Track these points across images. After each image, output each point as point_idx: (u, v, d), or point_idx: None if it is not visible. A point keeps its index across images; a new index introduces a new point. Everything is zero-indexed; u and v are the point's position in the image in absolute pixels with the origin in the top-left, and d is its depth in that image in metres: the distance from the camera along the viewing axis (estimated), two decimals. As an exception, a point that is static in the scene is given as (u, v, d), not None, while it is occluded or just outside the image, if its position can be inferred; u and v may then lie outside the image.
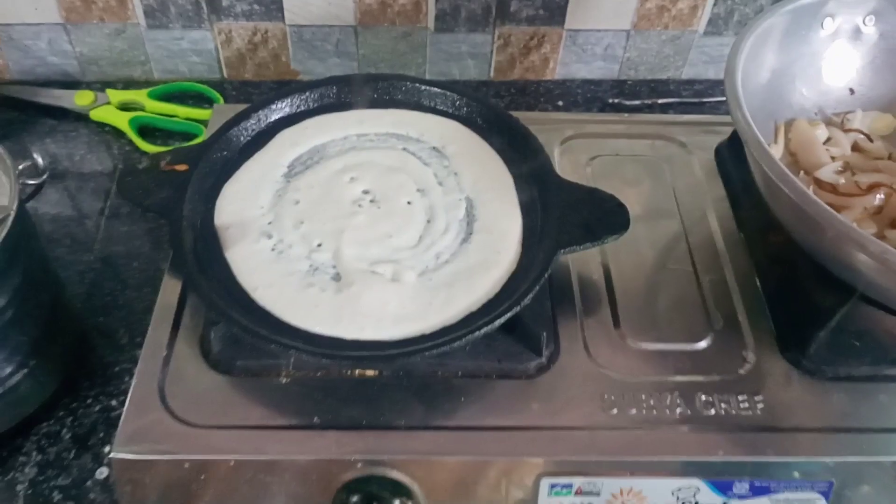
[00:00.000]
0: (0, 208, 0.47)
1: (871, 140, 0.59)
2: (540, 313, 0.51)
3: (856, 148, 0.59)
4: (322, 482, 0.46)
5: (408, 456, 0.46)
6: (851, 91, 0.60)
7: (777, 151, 0.57)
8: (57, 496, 0.54)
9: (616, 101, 0.83)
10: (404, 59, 0.82)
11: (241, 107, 0.59)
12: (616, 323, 0.53)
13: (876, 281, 0.46)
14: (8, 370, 0.52)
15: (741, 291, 0.55)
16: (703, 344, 0.52)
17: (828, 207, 0.44)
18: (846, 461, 0.47)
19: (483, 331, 0.45)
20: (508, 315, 0.46)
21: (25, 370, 0.53)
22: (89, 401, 0.59)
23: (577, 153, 0.64)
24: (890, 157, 0.58)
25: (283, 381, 0.49)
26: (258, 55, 0.80)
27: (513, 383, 0.49)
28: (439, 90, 0.61)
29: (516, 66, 0.84)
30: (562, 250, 0.50)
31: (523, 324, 0.49)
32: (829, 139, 0.58)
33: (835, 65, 0.60)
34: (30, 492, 0.54)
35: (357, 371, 0.49)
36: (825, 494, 0.48)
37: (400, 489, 0.46)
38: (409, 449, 0.46)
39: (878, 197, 0.53)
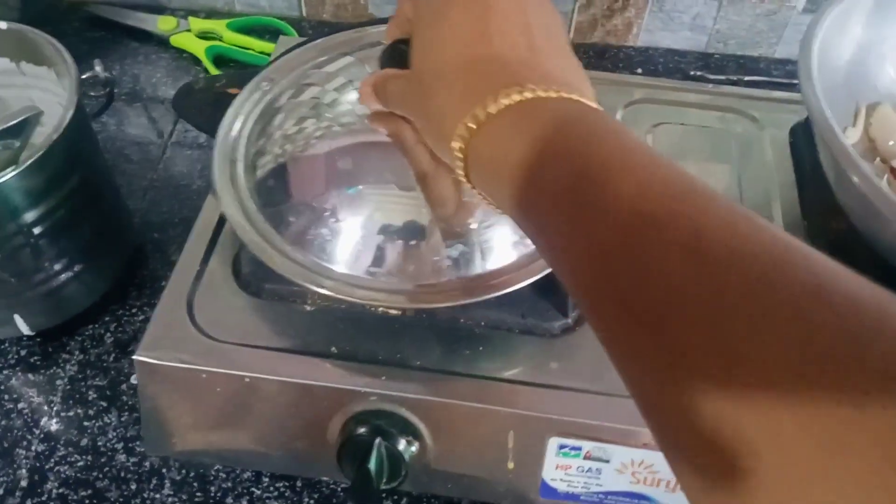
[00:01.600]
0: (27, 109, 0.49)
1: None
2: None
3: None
4: (331, 410, 0.47)
5: (419, 396, 0.46)
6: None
7: (854, 135, 0.53)
8: (92, 395, 0.57)
9: (699, 73, 0.80)
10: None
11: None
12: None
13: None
14: (57, 268, 0.54)
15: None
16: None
17: (895, 198, 0.41)
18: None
19: (507, 290, 0.44)
20: (537, 277, 0.45)
21: (74, 271, 0.55)
22: (134, 310, 0.61)
23: (641, 118, 0.62)
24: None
25: (308, 308, 0.49)
26: (338, -4, 0.80)
27: (535, 340, 0.49)
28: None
29: (598, 28, 0.81)
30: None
31: (553, 283, 0.48)
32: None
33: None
34: (68, 387, 0.57)
35: (381, 308, 0.48)
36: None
37: (408, 428, 0.46)
38: (421, 390, 0.46)
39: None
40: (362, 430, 0.46)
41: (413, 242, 0.46)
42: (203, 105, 0.53)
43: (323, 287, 0.44)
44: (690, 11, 0.79)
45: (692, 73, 0.80)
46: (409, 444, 0.47)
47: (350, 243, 0.46)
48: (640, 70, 0.80)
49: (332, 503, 0.52)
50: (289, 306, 0.50)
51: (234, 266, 0.51)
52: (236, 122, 0.50)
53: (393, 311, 0.48)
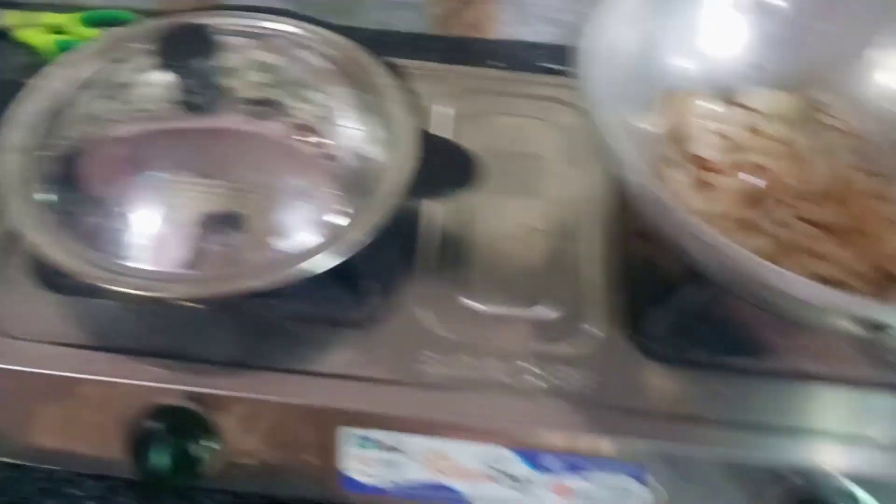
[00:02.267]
0: None
1: (772, 122, 0.55)
2: (378, 264, 0.50)
3: (754, 129, 0.55)
4: (125, 407, 0.46)
5: (212, 391, 0.46)
6: (762, 67, 0.57)
7: (657, 122, 0.54)
8: None
9: (559, 67, 0.81)
10: (342, 4, 0.80)
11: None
12: (461, 281, 0.52)
13: (710, 269, 0.44)
14: None
15: (606, 265, 0.53)
16: (544, 311, 0.50)
17: (651, 185, 0.42)
18: (661, 447, 0.45)
19: (295, 278, 0.44)
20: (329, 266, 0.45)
21: None
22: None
23: (470, 107, 0.63)
24: (790, 144, 0.55)
25: (108, 303, 0.49)
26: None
27: (337, 331, 0.48)
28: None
29: (456, 21, 0.82)
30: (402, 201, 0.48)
31: (353, 273, 0.48)
32: (719, 117, 0.55)
33: (733, 36, 0.56)
34: None
35: (174, 300, 0.48)
36: (638, 478, 0.46)
37: (202, 423, 0.46)
38: (214, 384, 0.46)
39: (747, 178, 0.50)
40: (156, 426, 0.46)
41: (201, 231, 0.45)
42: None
43: (115, 284, 0.43)
44: (547, 5, 0.79)
45: (552, 66, 0.81)
46: (205, 439, 0.46)
47: (144, 234, 0.45)
48: (497, 63, 0.81)
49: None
50: (89, 301, 0.49)
51: (33, 260, 0.50)
52: (25, 110, 0.49)
53: (186, 304, 0.48)
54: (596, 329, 0.50)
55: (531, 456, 0.46)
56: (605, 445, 0.45)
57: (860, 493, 0.44)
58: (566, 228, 0.55)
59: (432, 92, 0.62)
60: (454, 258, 0.53)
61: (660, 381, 0.48)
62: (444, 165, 0.51)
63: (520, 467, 0.46)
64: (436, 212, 0.56)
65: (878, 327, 0.38)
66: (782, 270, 0.37)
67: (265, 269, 0.45)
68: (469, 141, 0.56)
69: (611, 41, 0.48)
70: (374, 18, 0.81)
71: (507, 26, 0.82)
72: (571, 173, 0.59)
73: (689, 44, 0.55)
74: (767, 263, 0.38)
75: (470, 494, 0.47)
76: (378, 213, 0.47)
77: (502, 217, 0.56)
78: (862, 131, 0.55)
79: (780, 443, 0.46)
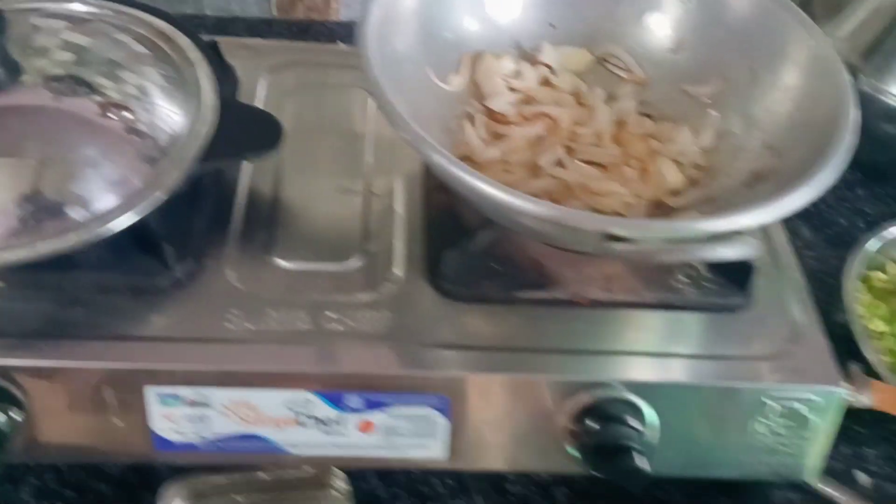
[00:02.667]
0: None
1: (564, 75, 0.59)
2: (180, 226, 0.51)
3: (547, 83, 0.59)
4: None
5: (12, 362, 0.46)
6: (552, 25, 0.61)
7: (458, 82, 0.57)
8: None
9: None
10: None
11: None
12: (271, 242, 0.54)
13: (486, 210, 0.47)
14: None
15: (408, 218, 0.56)
16: (351, 264, 0.53)
17: (419, 131, 0.44)
18: (456, 376, 0.48)
19: (86, 241, 0.45)
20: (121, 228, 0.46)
21: None
22: None
23: (283, 78, 0.65)
24: (578, 94, 0.59)
25: None
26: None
27: (143, 297, 0.50)
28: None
29: (298, 4, 0.84)
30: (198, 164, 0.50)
31: (155, 238, 0.50)
32: (516, 74, 0.58)
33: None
34: None
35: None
36: (442, 411, 0.49)
37: (11, 399, 0.47)
38: (15, 356, 0.47)
39: (533, 128, 0.54)
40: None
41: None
42: None
43: None
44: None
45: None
46: (14, 412, 0.47)
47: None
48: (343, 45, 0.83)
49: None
50: None
51: None
52: None
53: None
54: (397, 275, 0.52)
55: (334, 397, 0.48)
56: (403, 380, 0.48)
57: (636, 400, 0.48)
58: (377, 188, 0.58)
59: (258, 65, 0.64)
60: (266, 220, 0.55)
61: (456, 318, 0.51)
62: (247, 130, 0.53)
63: (324, 409, 0.48)
64: (250, 177, 0.57)
65: (616, 239, 0.41)
66: (516, 195, 0.41)
67: (57, 235, 0.46)
68: (287, 110, 0.58)
69: (389, 15, 0.51)
70: (219, 5, 0.83)
71: (348, 8, 0.85)
72: (387, 138, 0.61)
73: (481, 9, 0.58)
74: (506, 192, 0.41)
75: (279, 440, 0.49)
76: (173, 175, 0.49)
77: (316, 180, 0.58)
78: (644, 78, 0.60)
79: (568, 362, 0.49)
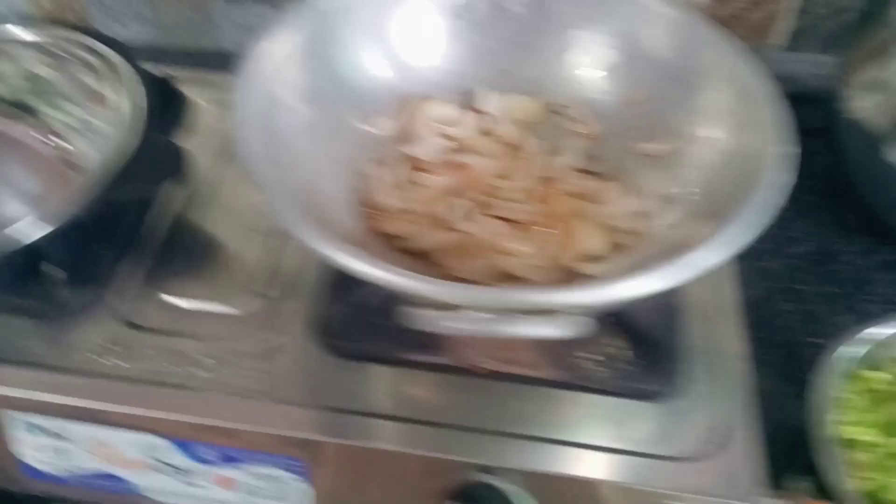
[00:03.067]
0: None
1: (505, 124, 0.55)
2: (79, 254, 0.51)
3: (484, 131, 0.55)
4: None
5: None
6: (505, 73, 0.56)
7: (387, 125, 0.54)
8: None
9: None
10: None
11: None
12: (166, 275, 0.53)
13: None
14: None
15: (306, 268, 0.53)
16: (244, 309, 0.51)
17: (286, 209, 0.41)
18: (313, 439, 0.45)
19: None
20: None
21: None
22: None
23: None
24: (516, 145, 0.54)
25: None
26: None
27: (22, 320, 0.50)
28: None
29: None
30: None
31: (38, 260, 0.49)
32: (450, 120, 0.55)
33: (461, 42, 0.56)
34: None
35: None
36: (296, 472, 0.45)
37: None
38: None
39: (451, 177, 0.50)
40: None
41: None
42: None
43: None
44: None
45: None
46: None
47: None
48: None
49: None
50: None
51: None
52: None
53: None
54: (287, 326, 0.50)
55: (187, 446, 0.46)
56: (260, 439, 0.45)
57: (513, 488, 0.43)
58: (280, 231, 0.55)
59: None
60: (171, 255, 0.54)
61: (337, 378, 0.47)
62: (156, 163, 0.53)
63: (178, 457, 0.46)
64: (163, 209, 0.57)
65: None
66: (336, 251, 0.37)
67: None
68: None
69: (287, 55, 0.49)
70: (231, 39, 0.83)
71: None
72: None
73: (390, 51, 0.55)
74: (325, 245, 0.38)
75: (138, 484, 0.48)
76: (70, 203, 0.49)
77: (230, 217, 0.56)
78: (596, 132, 0.54)
79: (443, 437, 0.45)
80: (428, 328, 0.36)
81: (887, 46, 0.63)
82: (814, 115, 0.68)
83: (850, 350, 0.54)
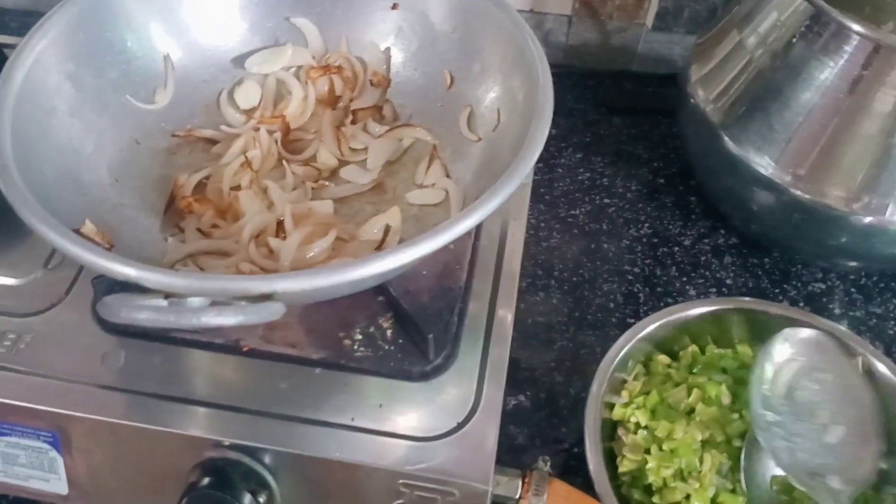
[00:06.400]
0: None
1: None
2: None
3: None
4: None
5: None
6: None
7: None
8: None
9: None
10: None
11: None
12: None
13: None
14: None
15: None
16: (20, 280, 0.51)
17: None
18: (64, 413, 0.45)
19: None
20: None
21: None
22: None
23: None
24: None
25: None
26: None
27: None
28: None
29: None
30: None
31: None
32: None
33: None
34: None
35: None
36: (53, 445, 0.46)
37: None
38: None
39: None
40: None
41: None
42: None
43: None
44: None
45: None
46: None
47: None
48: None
49: None
50: None
51: None
52: None
53: None
54: (65, 298, 0.50)
55: (-56, 416, 0.46)
56: (17, 412, 0.45)
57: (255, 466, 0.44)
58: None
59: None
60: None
61: (100, 351, 0.48)
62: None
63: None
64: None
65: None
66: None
67: None
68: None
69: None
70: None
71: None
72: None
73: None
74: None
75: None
76: None
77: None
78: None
79: (188, 414, 0.45)
80: (115, 319, 0.36)
81: (728, 34, 0.63)
82: (674, 97, 0.69)
83: (642, 332, 0.55)
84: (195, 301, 0.36)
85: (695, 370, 0.55)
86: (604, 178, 0.74)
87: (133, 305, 0.35)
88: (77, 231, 0.41)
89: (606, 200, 0.72)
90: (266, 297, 0.36)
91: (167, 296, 0.36)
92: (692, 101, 0.63)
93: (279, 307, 0.35)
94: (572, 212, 0.71)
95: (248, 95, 0.54)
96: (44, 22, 0.47)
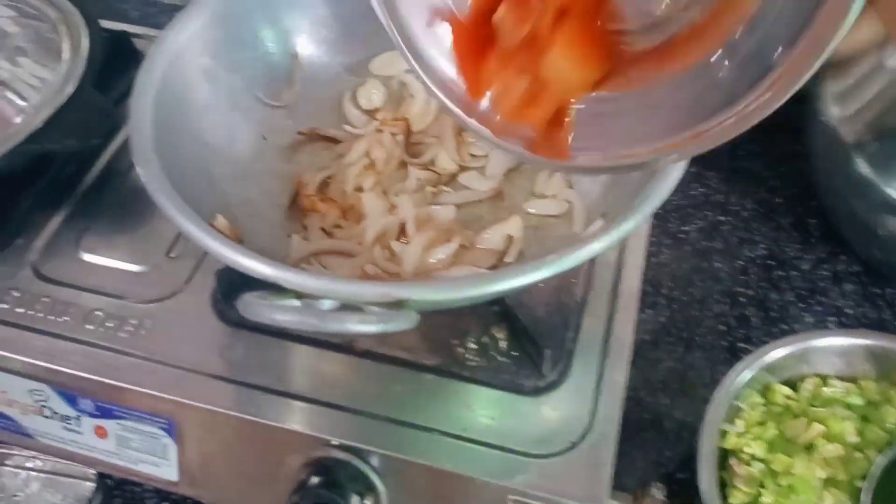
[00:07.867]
0: None
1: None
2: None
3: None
4: None
5: None
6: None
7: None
8: None
9: None
10: None
11: None
12: (84, 230, 0.54)
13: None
14: None
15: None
16: (148, 269, 0.52)
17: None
18: (181, 402, 0.46)
19: None
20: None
21: None
22: None
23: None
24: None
25: None
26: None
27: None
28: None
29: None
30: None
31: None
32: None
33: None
34: None
35: None
36: (168, 432, 0.47)
37: None
38: None
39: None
40: None
41: None
42: None
43: None
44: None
45: None
46: None
47: None
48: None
49: None
50: None
51: None
52: None
53: None
54: (186, 288, 0.51)
55: (69, 396, 0.48)
56: (131, 395, 0.47)
57: (364, 468, 0.44)
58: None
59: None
60: (90, 209, 0.56)
61: (220, 343, 0.48)
62: (83, 120, 0.54)
63: (62, 405, 0.48)
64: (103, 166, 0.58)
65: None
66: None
67: None
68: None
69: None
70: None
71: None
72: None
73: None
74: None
75: (29, 427, 0.50)
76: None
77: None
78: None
79: (304, 412, 0.45)
80: (255, 318, 0.36)
81: (868, 51, 0.60)
82: (796, 113, 0.66)
83: (762, 360, 0.53)
84: (326, 303, 0.36)
85: (815, 403, 0.52)
86: (718, 195, 0.71)
87: (275, 306, 0.35)
88: (211, 225, 0.41)
89: (720, 218, 0.69)
90: (398, 304, 0.35)
91: (299, 296, 0.37)
92: (822, 118, 0.60)
93: (415, 316, 0.35)
94: (683, 227, 0.69)
95: (372, 96, 0.54)
96: (184, 15, 0.48)
